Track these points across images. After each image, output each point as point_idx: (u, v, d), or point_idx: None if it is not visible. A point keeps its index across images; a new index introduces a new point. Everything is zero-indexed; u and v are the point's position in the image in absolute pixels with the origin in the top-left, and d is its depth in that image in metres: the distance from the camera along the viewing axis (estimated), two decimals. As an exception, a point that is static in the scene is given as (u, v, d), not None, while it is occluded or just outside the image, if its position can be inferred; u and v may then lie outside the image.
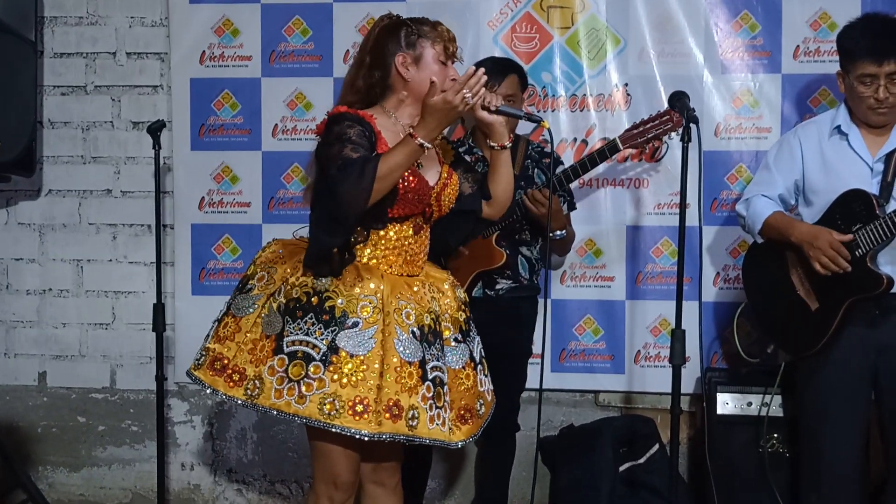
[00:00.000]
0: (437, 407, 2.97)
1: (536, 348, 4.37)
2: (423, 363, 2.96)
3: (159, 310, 4.36)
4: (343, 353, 2.90)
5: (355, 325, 2.92)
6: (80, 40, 4.76)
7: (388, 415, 2.90)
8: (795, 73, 4.39)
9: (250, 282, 3.13)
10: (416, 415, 2.93)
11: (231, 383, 3.01)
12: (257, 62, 4.64)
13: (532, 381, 4.25)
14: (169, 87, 4.70)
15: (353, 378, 2.88)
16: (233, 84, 4.66)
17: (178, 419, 4.83)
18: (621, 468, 4.18)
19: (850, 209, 3.47)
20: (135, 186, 4.76)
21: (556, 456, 4.33)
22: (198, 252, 4.71)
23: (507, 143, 3.13)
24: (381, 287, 2.99)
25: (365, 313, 2.94)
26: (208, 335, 3.14)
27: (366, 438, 2.89)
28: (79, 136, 4.79)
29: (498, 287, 4.03)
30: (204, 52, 4.65)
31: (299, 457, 4.73)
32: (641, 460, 4.21)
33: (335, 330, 2.92)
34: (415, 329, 2.98)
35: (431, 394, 2.96)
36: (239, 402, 3.01)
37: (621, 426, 4.30)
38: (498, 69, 3.97)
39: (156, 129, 4.28)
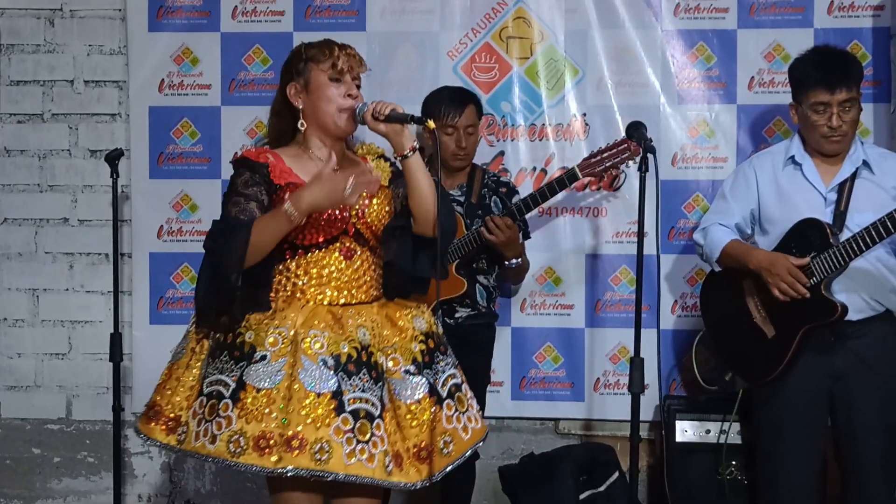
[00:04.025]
0: (359, 441, 2.81)
1: (495, 376, 4.39)
2: (337, 394, 2.82)
3: (116, 339, 4.32)
4: (249, 388, 2.80)
5: (263, 358, 2.84)
6: (37, 68, 4.73)
7: (285, 447, 2.76)
8: (750, 104, 4.45)
9: (187, 327, 3.10)
10: (328, 448, 2.78)
11: (166, 430, 2.96)
12: (217, 91, 4.63)
13: (492, 408, 4.27)
14: (127, 115, 4.67)
15: (257, 412, 2.79)
16: (192, 112, 4.64)
17: (135, 450, 4.77)
18: (582, 496, 4.17)
19: (805, 238, 3.51)
20: (92, 215, 4.72)
21: (517, 484, 4.31)
22: (156, 281, 4.66)
23: (408, 153, 2.97)
24: (294, 317, 2.89)
25: (273, 346, 2.85)
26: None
27: (265, 474, 2.82)
28: (35, 164, 4.74)
29: (457, 315, 4.04)
30: (163, 80, 4.64)
31: (258, 487, 4.68)
32: (601, 488, 4.21)
33: (244, 365, 2.84)
34: (326, 358, 2.84)
35: (350, 427, 2.80)
36: (171, 448, 2.96)
37: (581, 454, 4.30)
38: (458, 100, 4.09)
39: (114, 158, 4.26)
